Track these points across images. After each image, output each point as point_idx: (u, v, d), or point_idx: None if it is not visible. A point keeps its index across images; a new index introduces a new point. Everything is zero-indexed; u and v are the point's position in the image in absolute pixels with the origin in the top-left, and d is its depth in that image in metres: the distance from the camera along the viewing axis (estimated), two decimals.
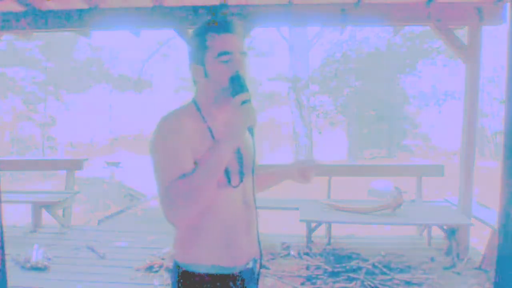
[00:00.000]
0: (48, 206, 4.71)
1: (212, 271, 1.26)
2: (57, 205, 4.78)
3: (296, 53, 11.38)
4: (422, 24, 3.93)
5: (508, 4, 3.49)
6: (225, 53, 1.23)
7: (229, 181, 1.24)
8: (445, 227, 3.90)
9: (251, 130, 1.23)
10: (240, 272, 1.30)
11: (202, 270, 1.26)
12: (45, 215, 4.83)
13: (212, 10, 3.78)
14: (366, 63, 14.47)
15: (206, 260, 1.26)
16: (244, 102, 1.18)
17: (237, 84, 1.21)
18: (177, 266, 1.30)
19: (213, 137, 1.23)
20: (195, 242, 1.27)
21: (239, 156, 1.29)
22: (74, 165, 5.34)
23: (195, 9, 3.80)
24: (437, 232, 4.24)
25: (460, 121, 3.89)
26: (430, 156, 18.05)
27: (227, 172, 1.23)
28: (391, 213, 3.64)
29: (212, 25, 1.25)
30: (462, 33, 3.88)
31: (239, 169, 1.28)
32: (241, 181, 1.28)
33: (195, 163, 1.19)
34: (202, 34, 1.26)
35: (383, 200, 3.78)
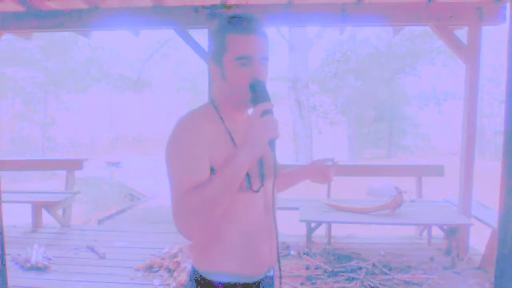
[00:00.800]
0: (48, 206, 4.72)
1: (232, 280, 1.20)
2: (57, 205, 4.78)
3: (296, 53, 11.37)
4: (422, 24, 3.93)
5: (508, 4, 3.49)
6: (245, 57, 1.13)
7: (250, 185, 1.17)
8: (445, 227, 3.90)
9: (272, 144, 1.11)
10: (260, 281, 1.24)
11: (222, 279, 1.20)
12: (45, 215, 4.83)
13: (213, 8, 3.78)
14: (366, 63, 14.47)
15: (225, 268, 1.20)
16: (265, 113, 1.08)
17: (258, 92, 1.12)
18: (194, 271, 1.24)
19: (232, 139, 1.17)
20: (215, 249, 1.20)
21: (260, 159, 1.21)
22: (74, 165, 5.35)
23: (195, 9, 3.80)
24: (437, 232, 4.24)
25: (460, 121, 3.89)
26: (430, 156, 18.05)
27: (248, 176, 1.16)
28: (391, 213, 3.64)
29: (233, 23, 1.14)
30: (462, 33, 3.88)
31: (260, 172, 1.22)
32: (262, 185, 1.21)
33: (212, 169, 1.13)
34: (221, 33, 1.16)
35: (383, 200, 3.78)
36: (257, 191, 1.19)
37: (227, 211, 1.14)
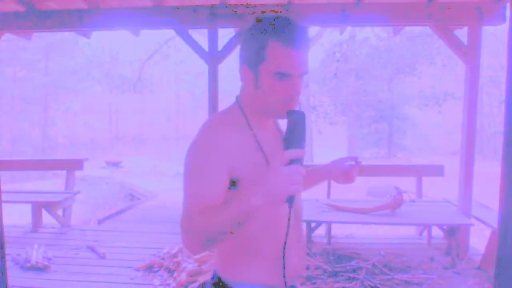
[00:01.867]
0: (48, 206, 4.72)
1: None
2: (57, 205, 4.78)
3: None
4: (422, 24, 3.93)
5: (508, 4, 3.49)
6: (285, 73, 1.02)
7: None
8: (445, 227, 3.90)
9: (290, 200, 0.96)
10: None
11: None
12: (45, 215, 4.83)
13: (213, 8, 3.78)
14: (366, 63, 14.47)
15: (256, 278, 1.13)
16: (293, 161, 0.93)
17: (293, 129, 0.97)
18: (219, 280, 1.17)
19: (260, 148, 1.09)
20: (245, 258, 1.13)
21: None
22: (74, 165, 5.34)
23: (195, 9, 3.80)
24: (437, 232, 4.24)
25: (460, 121, 3.89)
26: (430, 156, 18.05)
27: None
28: (391, 213, 3.64)
29: (278, 30, 1.01)
30: (462, 33, 3.88)
31: None
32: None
33: (236, 181, 1.05)
34: (263, 38, 1.02)
35: (383, 200, 3.78)
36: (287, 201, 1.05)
37: (258, 221, 1.07)
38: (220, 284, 1.17)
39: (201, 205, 1.01)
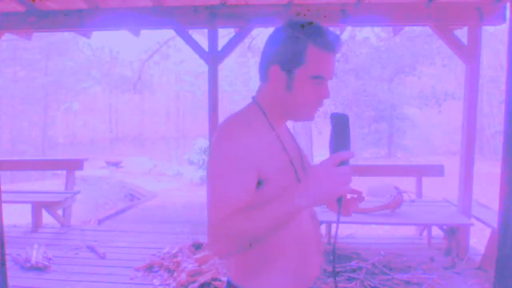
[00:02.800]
0: (48, 206, 4.72)
1: None
2: (57, 205, 4.79)
3: None
4: (422, 24, 3.93)
5: (508, 4, 3.49)
6: (322, 77, 1.05)
7: None
8: (445, 227, 3.90)
9: (340, 201, 0.98)
10: None
11: None
12: (45, 215, 4.83)
13: (213, 8, 3.78)
14: (366, 63, 14.47)
15: (276, 286, 1.11)
16: (343, 163, 0.94)
17: (340, 132, 0.97)
18: (230, 285, 1.15)
19: (284, 148, 1.09)
20: (265, 265, 1.10)
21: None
22: (74, 165, 5.35)
23: (195, 9, 3.80)
24: (437, 232, 4.24)
25: (460, 121, 3.89)
26: (430, 156, 18.06)
27: None
28: (391, 213, 3.64)
29: (318, 36, 1.03)
30: (462, 33, 3.88)
31: None
32: None
33: (261, 182, 1.03)
34: (301, 43, 1.03)
35: (383, 200, 3.78)
36: (340, 202, 1.05)
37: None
38: None
39: (231, 208, 0.99)
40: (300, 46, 1.03)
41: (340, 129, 0.98)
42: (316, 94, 1.06)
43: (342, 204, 1.18)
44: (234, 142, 1.01)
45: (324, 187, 0.92)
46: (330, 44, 1.03)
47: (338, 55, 1.12)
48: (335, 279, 1.27)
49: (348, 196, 1.19)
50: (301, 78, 1.05)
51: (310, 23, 1.05)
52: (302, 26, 1.05)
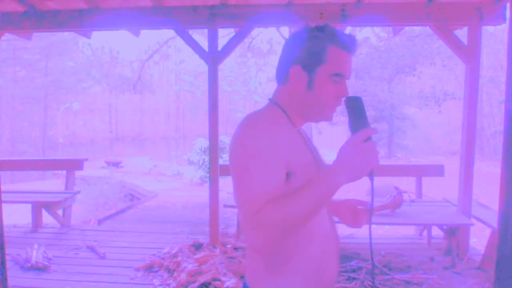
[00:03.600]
0: (48, 206, 4.72)
1: None
2: (57, 205, 4.79)
3: None
4: (422, 24, 3.92)
5: (508, 4, 3.49)
6: (342, 75, 1.10)
7: None
8: (445, 227, 3.90)
9: (372, 173, 1.02)
10: None
11: None
12: (45, 215, 4.83)
13: (213, 8, 3.79)
14: (366, 63, 14.47)
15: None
16: (369, 139, 0.99)
17: (358, 112, 1.04)
18: None
19: (307, 144, 1.14)
20: (285, 270, 1.10)
21: None
22: (74, 165, 5.34)
23: (195, 9, 3.80)
24: (437, 232, 4.24)
25: (460, 121, 3.89)
26: (430, 156, 18.06)
27: None
28: (391, 213, 3.64)
29: (338, 37, 1.10)
30: (462, 33, 3.88)
31: None
32: None
33: (288, 174, 1.05)
34: (322, 42, 1.09)
35: (383, 200, 3.78)
36: (372, 175, 1.08)
37: (300, 233, 1.07)
38: None
39: (270, 195, 0.99)
40: (321, 46, 1.09)
41: (357, 110, 1.04)
42: (335, 92, 1.11)
43: (354, 217, 1.26)
44: (264, 135, 1.03)
45: (356, 162, 0.96)
46: (348, 44, 1.10)
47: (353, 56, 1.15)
48: (373, 279, 1.32)
49: (358, 207, 1.24)
50: (322, 76, 1.09)
51: (328, 26, 1.12)
52: (321, 28, 1.11)
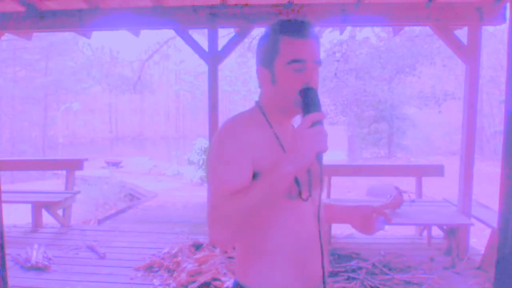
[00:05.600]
0: (48, 206, 4.72)
1: None
2: (57, 205, 4.79)
3: None
4: (422, 24, 3.93)
5: (508, 4, 3.49)
6: (298, 60, 1.08)
7: (300, 194, 1.12)
8: (445, 227, 3.90)
9: (319, 157, 1.02)
10: None
11: None
12: (45, 215, 4.83)
13: (213, 8, 3.79)
14: (366, 63, 14.46)
15: (275, 284, 1.13)
16: (315, 123, 0.99)
17: (309, 100, 1.05)
18: (236, 285, 1.18)
19: (281, 145, 1.13)
20: (263, 262, 1.13)
21: (308, 168, 1.12)
22: (74, 165, 5.34)
23: (195, 9, 3.80)
24: (437, 232, 4.24)
25: (460, 121, 3.89)
26: (430, 156, 18.06)
27: (298, 184, 1.11)
28: (391, 213, 3.64)
29: (286, 26, 1.11)
30: (462, 33, 3.88)
31: (308, 181, 1.16)
32: (311, 195, 1.16)
33: (256, 174, 1.07)
34: (274, 36, 1.11)
35: (383, 200, 3.78)
36: (305, 200, 1.13)
37: (276, 220, 1.10)
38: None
39: (229, 191, 1.02)
40: (273, 39, 1.12)
41: (310, 98, 1.06)
42: (298, 80, 1.09)
43: (366, 224, 1.28)
44: (231, 135, 1.08)
45: (303, 147, 0.97)
46: (300, 30, 1.09)
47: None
48: None
49: (371, 214, 1.28)
50: (280, 67, 1.11)
51: (279, 20, 1.14)
52: (274, 24, 1.13)
